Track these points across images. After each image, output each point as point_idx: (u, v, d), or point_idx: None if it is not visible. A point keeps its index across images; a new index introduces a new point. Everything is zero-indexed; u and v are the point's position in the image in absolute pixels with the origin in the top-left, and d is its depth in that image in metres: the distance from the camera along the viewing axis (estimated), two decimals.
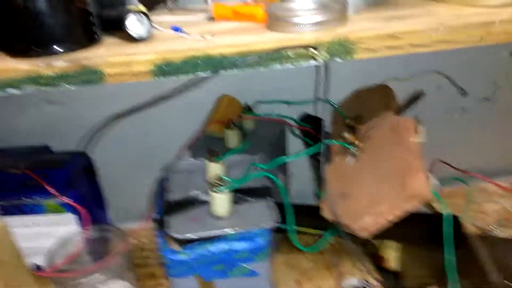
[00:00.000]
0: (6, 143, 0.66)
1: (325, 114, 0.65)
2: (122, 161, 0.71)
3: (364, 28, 0.38)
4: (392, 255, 0.60)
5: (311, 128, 0.59)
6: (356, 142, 0.46)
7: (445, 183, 0.67)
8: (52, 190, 0.57)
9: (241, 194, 0.44)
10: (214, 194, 0.42)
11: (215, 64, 0.36)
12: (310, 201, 0.75)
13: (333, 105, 0.55)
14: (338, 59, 0.37)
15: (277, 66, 0.36)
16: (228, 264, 0.41)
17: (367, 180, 0.42)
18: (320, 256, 0.67)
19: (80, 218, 0.61)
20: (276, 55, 0.35)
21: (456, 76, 0.65)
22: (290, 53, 0.35)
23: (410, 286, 0.59)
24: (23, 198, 0.58)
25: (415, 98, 0.45)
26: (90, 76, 0.35)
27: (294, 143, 0.66)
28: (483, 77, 0.73)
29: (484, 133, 0.79)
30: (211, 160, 0.47)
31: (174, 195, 0.46)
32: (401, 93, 0.59)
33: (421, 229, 0.54)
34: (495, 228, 0.60)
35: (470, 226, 0.70)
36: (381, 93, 0.50)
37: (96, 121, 0.65)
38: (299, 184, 0.72)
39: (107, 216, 0.71)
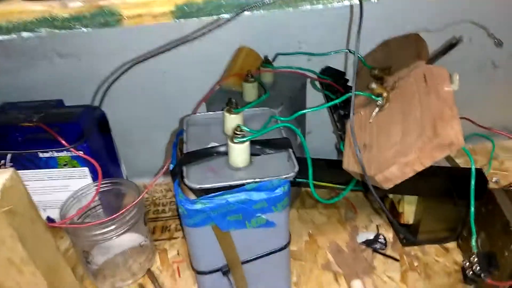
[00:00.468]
0: (19, 97, 0.64)
1: (348, 67, 0.63)
2: (136, 116, 0.70)
3: None
4: (409, 209, 0.60)
5: (332, 81, 0.57)
6: (384, 93, 0.44)
7: (467, 139, 0.66)
8: (65, 143, 0.57)
9: (260, 146, 0.43)
10: (232, 144, 0.41)
11: (241, 4, 0.33)
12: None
13: (358, 56, 0.52)
14: None
15: (307, 6, 0.33)
16: (246, 214, 0.40)
17: (394, 130, 0.40)
18: (334, 211, 0.67)
19: (93, 172, 0.61)
20: None
21: (490, 28, 0.62)
22: None
23: (426, 239, 0.60)
24: (36, 151, 0.57)
25: (452, 45, 0.42)
26: (108, 18, 0.33)
27: (315, 97, 0.64)
28: None
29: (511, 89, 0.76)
30: (229, 112, 0.45)
31: (191, 146, 0.44)
32: (431, 48, 0.56)
33: (441, 183, 0.54)
34: None
35: (492, 183, 0.69)
36: (411, 43, 0.48)
37: (110, 75, 0.64)
38: (317, 142, 0.71)
39: (120, 171, 0.71)
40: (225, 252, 0.42)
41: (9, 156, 0.59)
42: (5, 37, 0.33)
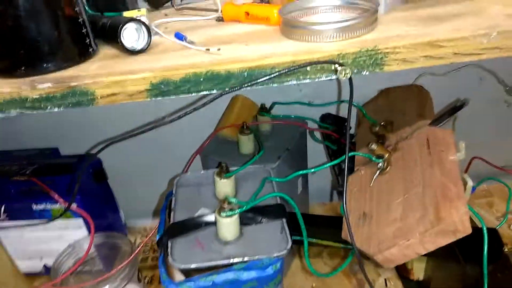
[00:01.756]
0: (15, 145, 0.64)
1: (349, 115, 0.60)
2: (134, 160, 0.68)
3: (397, 33, 0.32)
4: (418, 266, 0.55)
5: (333, 129, 0.54)
6: (385, 155, 0.41)
7: (481, 183, 0.62)
8: (57, 197, 0.55)
9: (252, 214, 0.40)
10: (220, 218, 0.38)
11: (220, 81, 0.31)
12: (328, 198, 0.72)
13: (360, 108, 0.49)
14: (365, 73, 0.31)
15: (293, 82, 0.31)
16: None
17: (395, 203, 0.37)
18: (339, 261, 0.64)
19: (88, 223, 0.59)
20: (292, 71, 0.30)
21: (499, 68, 0.58)
22: (308, 68, 0.30)
23: None
24: (30, 204, 0.56)
25: (458, 107, 0.39)
26: (80, 98, 0.31)
27: (316, 145, 0.61)
28: None
29: None
30: (220, 176, 0.42)
31: (180, 213, 0.42)
32: (437, 90, 0.53)
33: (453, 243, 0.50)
34: None
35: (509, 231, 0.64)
36: (414, 95, 0.44)
37: (107, 123, 0.62)
38: (320, 183, 0.67)
39: (119, 216, 0.69)
40: None
41: (2, 207, 0.58)
42: None
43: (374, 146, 0.42)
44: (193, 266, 0.36)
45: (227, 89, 0.31)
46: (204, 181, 0.47)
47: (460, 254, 0.49)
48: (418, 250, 0.33)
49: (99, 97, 0.31)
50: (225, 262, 0.36)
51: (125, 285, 0.51)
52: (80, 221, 0.59)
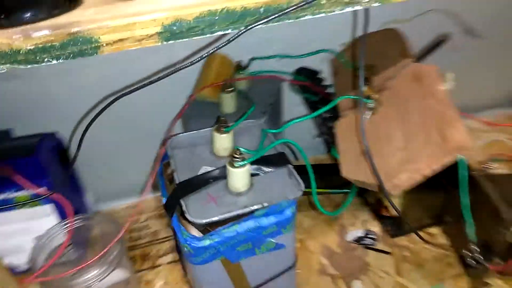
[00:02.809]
0: None
1: (322, 66, 0.62)
2: (96, 136, 0.63)
3: None
4: (394, 202, 0.60)
5: (310, 82, 0.55)
6: (375, 96, 0.43)
7: None
8: (23, 182, 0.49)
9: (258, 165, 0.40)
10: (233, 169, 0.37)
11: (236, 19, 0.30)
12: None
13: (336, 55, 0.50)
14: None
15: (308, 17, 0.31)
16: (255, 241, 0.38)
17: (395, 136, 0.40)
18: (318, 213, 0.67)
19: (59, 208, 0.54)
20: (308, 3, 0.30)
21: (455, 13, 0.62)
22: (323, 1, 0.30)
23: (409, 229, 0.61)
24: None
25: (439, 43, 0.42)
26: (82, 46, 0.28)
27: (291, 100, 0.62)
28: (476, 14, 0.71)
29: (470, 69, 0.79)
30: (219, 131, 0.42)
31: (182, 174, 0.40)
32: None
33: None
34: (491, 165, 0.62)
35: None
36: (391, 37, 0.47)
37: (65, 96, 0.56)
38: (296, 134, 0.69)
39: (85, 200, 0.64)
40: (235, 283, 0.39)
41: None
42: None
43: (365, 88, 0.44)
44: (214, 219, 0.35)
45: (242, 28, 0.30)
46: (197, 141, 0.45)
47: (431, 184, 0.54)
48: (425, 172, 0.36)
49: (104, 44, 0.28)
50: (246, 210, 0.36)
51: (114, 269, 0.48)
52: (47, 207, 0.54)
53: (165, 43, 0.29)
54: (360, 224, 0.64)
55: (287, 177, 0.40)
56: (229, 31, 0.30)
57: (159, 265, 0.60)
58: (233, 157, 0.37)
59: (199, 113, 0.53)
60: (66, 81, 0.55)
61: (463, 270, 0.55)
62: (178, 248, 0.42)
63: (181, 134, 0.45)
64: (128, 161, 0.66)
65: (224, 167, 0.39)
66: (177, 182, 0.39)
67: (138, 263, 0.60)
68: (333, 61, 0.57)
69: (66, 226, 0.51)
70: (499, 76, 0.86)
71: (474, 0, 0.65)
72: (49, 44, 0.27)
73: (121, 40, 0.28)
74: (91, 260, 0.45)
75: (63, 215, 0.55)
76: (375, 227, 0.63)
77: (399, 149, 0.38)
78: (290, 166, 0.41)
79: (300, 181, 0.39)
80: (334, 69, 0.55)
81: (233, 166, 0.37)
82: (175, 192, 0.38)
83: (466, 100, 0.77)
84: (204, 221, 0.35)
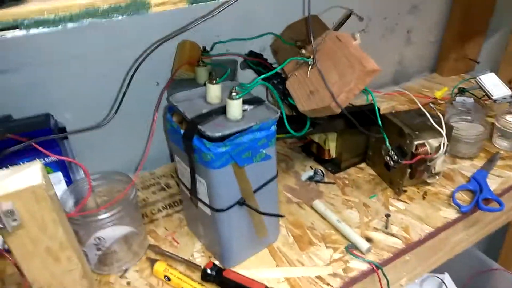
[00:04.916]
0: None
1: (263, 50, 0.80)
2: (85, 116, 0.72)
3: None
4: (332, 146, 0.80)
5: (261, 59, 0.73)
6: (311, 56, 0.63)
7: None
8: (41, 150, 0.58)
9: (245, 104, 0.56)
10: (232, 101, 0.53)
11: None
12: None
13: (277, 36, 0.70)
14: None
15: None
16: (253, 151, 0.53)
17: (331, 75, 0.59)
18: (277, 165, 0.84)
19: (66, 176, 0.63)
20: None
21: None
22: None
23: (345, 166, 0.81)
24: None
25: (347, 16, 0.63)
26: (139, 7, 0.42)
27: (243, 79, 0.79)
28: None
29: None
30: (212, 83, 0.57)
31: (190, 115, 0.54)
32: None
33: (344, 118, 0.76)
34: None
35: None
36: (314, 22, 0.67)
37: (55, 83, 0.66)
38: None
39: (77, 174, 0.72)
40: (242, 185, 0.54)
41: None
42: (52, 28, 0.38)
43: (303, 51, 0.64)
44: (227, 132, 0.50)
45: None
46: (192, 97, 0.59)
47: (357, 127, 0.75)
48: (355, 91, 0.56)
49: (153, 5, 0.42)
50: (246, 126, 0.52)
51: (129, 213, 0.59)
52: (59, 175, 0.62)
53: (191, 5, 0.44)
54: (309, 169, 0.83)
55: (265, 109, 0.56)
56: None
57: (156, 219, 0.71)
58: (232, 92, 0.53)
59: (179, 87, 0.68)
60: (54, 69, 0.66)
61: (387, 186, 0.76)
62: (183, 193, 0.54)
63: (179, 93, 0.59)
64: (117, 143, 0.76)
65: (221, 107, 0.54)
66: (189, 118, 0.53)
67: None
68: (275, 41, 0.76)
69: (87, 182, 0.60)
70: (384, 61, 1.15)
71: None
72: (118, 5, 0.41)
73: (163, 3, 0.43)
74: (113, 201, 0.56)
75: (70, 182, 0.64)
76: (321, 169, 0.82)
77: (336, 81, 0.58)
78: (265, 102, 0.57)
79: (276, 109, 0.55)
80: (275, 48, 0.74)
81: (232, 99, 0.53)
82: (192, 122, 0.52)
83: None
84: (220, 134, 0.49)
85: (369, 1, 1.00)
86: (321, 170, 0.80)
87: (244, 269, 0.60)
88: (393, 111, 0.81)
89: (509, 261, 1.18)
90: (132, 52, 0.66)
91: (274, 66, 0.76)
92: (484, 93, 0.94)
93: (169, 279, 0.57)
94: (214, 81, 0.57)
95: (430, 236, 0.67)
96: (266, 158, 0.55)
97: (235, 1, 0.46)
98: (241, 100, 0.53)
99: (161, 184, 0.79)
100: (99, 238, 0.57)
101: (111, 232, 0.60)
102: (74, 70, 0.68)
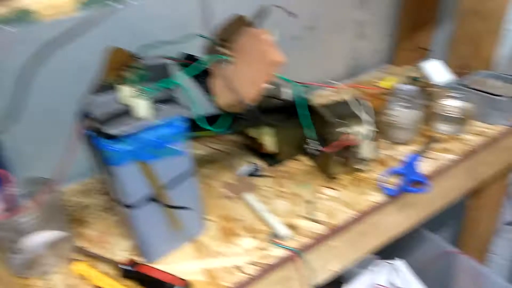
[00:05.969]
0: None
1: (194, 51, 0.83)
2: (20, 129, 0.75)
3: None
4: (268, 140, 0.82)
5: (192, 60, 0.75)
6: (229, 53, 0.65)
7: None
8: None
9: (153, 104, 0.58)
10: (136, 100, 0.55)
11: None
12: None
13: (208, 39, 0.72)
14: None
15: None
16: (159, 147, 0.55)
17: (244, 71, 0.61)
18: (215, 164, 0.86)
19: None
20: None
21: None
22: None
23: (283, 159, 0.83)
24: None
25: (262, 13, 0.65)
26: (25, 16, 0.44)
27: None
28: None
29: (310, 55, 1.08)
30: (123, 83, 0.59)
31: (99, 115, 0.56)
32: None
33: (282, 112, 0.78)
34: None
35: None
36: (238, 21, 0.69)
37: None
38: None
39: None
40: (150, 181, 0.56)
41: None
42: None
43: (222, 50, 0.66)
44: (127, 129, 0.52)
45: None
46: (109, 100, 0.61)
47: (290, 121, 0.78)
48: (263, 83, 0.58)
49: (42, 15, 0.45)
50: (149, 123, 0.54)
51: (51, 218, 0.61)
52: None
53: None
54: (249, 164, 0.84)
55: (177, 106, 0.58)
56: None
57: (91, 222, 0.73)
58: (137, 91, 0.55)
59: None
60: None
61: (321, 175, 0.78)
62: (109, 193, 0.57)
63: (95, 97, 0.61)
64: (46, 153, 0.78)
65: (130, 107, 0.57)
66: (95, 118, 0.55)
67: (70, 224, 0.73)
68: (207, 43, 0.79)
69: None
70: (337, 56, 1.17)
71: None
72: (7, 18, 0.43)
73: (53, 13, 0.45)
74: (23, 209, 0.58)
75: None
76: (260, 164, 0.84)
77: (247, 76, 0.60)
78: (179, 100, 0.59)
79: (185, 106, 0.58)
80: (208, 49, 0.76)
81: (137, 98, 0.55)
82: (96, 122, 0.54)
83: (320, 75, 1.07)
84: (120, 131, 0.52)
85: None
86: (258, 164, 0.82)
87: (165, 264, 0.61)
88: (325, 102, 0.83)
89: (467, 246, 1.19)
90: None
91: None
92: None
93: (89, 279, 0.59)
94: (125, 84, 0.59)
95: (356, 220, 0.68)
96: (177, 154, 0.57)
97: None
98: (145, 99, 0.55)
99: (102, 189, 0.81)
100: (22, 243, 0.60)
101: (36, 237, 0.62)
102: None
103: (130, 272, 0.58)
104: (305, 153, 0.84)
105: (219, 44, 0.71)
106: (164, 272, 0.57)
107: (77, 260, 0.63)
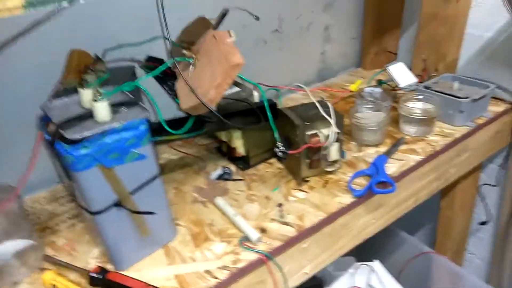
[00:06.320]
0: None
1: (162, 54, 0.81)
2: None
3: None
4: (239, 144, 0.81)
5: (158, 63, 0.74)
6: (193, 55, 0.64)
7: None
8: None
9: (115, 107, 0.57)
10: (96, 104, 0.53)
11: None
12: None
13: (172, 41, 0.71)
14: None
15: None
16: (122, 151, 0.53)
17: (206, 72, 0.61)
18: (188, 169, 0.84)
19: None
20: None
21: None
22: None
23: (254, 162, 0.83)
24: None
25: (223, 15, 0.65)
26: None
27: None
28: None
29: (279, 58, 1.09)
30: (83, 87, 0.57)
31: (60, 119, 0.54)
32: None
33: (252, 115, 0.78)
34: None
35: None
36: (201, 23, 0.69)
37: None
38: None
39: None
40: (114, 187, 0.54)
41: None
42: None
43: (185, 52, 0.65)
44: (87, 134, 0.51)
45: None
46: (70, 103, 0.59)
47: (260, 125, 0.78)
48: (224, 86, 0.58)
49: None
50: (108, 127, 0.52)
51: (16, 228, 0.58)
52: None
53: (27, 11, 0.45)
54: (221, 168, 0.84)
55: (139, 109, 0.57)
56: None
57: (59, 230, 0.70)
58: (95, 95, 0.53)
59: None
60: None
61: (291, 177, 0.78)
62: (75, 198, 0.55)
63: (55, 100, 0.59)
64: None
65: (91, 111, 0.55)
66: (54, 122, 0.53)
67: (39, 233, 0.70)
68: (172, 46, 0.77)
69: None
70: (305, 59, 1.18)
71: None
72: None
73: None
74: None
75: None
76: (232, 167, 0.83)
77: (208, 78, 0.59)
78: (140, 104, 0.58)
79: (145, 108, 0.56)
80: (172, 52, 0.75)
81: (96, 101, 0.53)
82: (56, 126, 0.52)
83: (290, 79, 1.08)
84: (79, 136, 0.50)
85: (278, 1, 1.03)
86: (229, 168, 0.82)
87: (135, 271, 0.60)
88: (293, 105, 0.83)
89: (444, 246, 1.22)
90: None
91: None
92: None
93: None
94: (85, 84, 0.57)
95: (325, 222, 0.68)
96: (140, 158, 0.56)
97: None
98: (105, 102, 0.54)
99: (69, 196, 0.79)
100: None
101: (2, 246, 0.59)
102: None
103: (100, 280, 0.56)
104: (275, 156, 0.84)
105: (183, 46, 0.70)
106: (135, 279, 0.55)
107: (46, 269, 0.61)
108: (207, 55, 0.63)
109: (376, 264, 1.03)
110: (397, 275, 1.05)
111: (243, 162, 0.83)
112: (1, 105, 0.75)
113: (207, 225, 0.68)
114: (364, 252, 1.04)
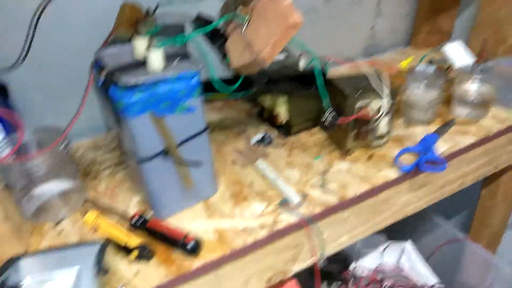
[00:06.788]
0: None
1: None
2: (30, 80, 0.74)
3: None
4: (282, 110, 0.80)
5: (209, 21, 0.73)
6: (246, 13, 0.63)
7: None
8: None
9: (168, 59, 0.56)
10: (150, 52, 0.53)
11: None
12: None
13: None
14: None
15: None
16: (172, 101, 0.53)
17: (260, 31, 0.59)
18: (228, 130, 0.84)
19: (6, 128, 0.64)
20: None
21: None
22: None
23: (296, 130, 0.81)
24: None
25: None
26: None
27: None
28: None
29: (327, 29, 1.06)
30: (138, 36, 0.57)
31: (113, 66, 0.55)
32: None
33: (300, 81, 0.76)
34: None
35: None
36: None
37: None
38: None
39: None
40: (163, 136, 0.55)
41: None
42: None
43: (239, 10, 0.64)
44: (140, 80, 0.51)
45: None
46: (123, 52, 0.60)
47: (306, 92, 0.76)
48: (281, 44, 0.56)
49: None
50: (162, 76, 0.52)
51: (63, 166, 0.60)
52: None
53: None
54: (261, 133, 0.83)
55: (191, 61, 0.57)
56: None
57: (101, 176, 0.72)
58: (150, 43, 0.53)
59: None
60: None
61: (335, 148, 0.76)
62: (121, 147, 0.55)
63: (108, 48, 0.60)
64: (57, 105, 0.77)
65: (144, 61, 0.55)
66: (108, 68, 0.54)
67: (82, 178, 0.72)
68: (224, 4, 0.76)
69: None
70: (354, 32, 1.14)
71: None
72: None
73: None
74: (39, 152, 0.57)
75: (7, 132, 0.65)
76: (273, 132, 0.82)
77: (264, 37, 0.58)
78: (191, 57, 0.58)
79: (197, 60, 0.56)
80: (224, 11, 0.74)
81: (151, 49, 0.53)
82: (110, 72, 0.53)
83: (336, 51, 1.04)
84: (133, 81, 0.50)
85: None
86: (270, 134, 0.81)
87: (175, 220, 0.61)
88: (343, 75, 0.81)
89: (478, 235, 1.17)
90: None
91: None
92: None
93: (98, 228, 0.59)
94: (140, 35, 0.57)
95: (367, 194, 0.67)
96: (190, 110, 0.56)
97: None
98: (160, 50, 0.54)
99: (114, 144, 0.80)
100: (34, 190, 0.59)
101: (47, 185, 0.61)
102: None
103: (140, 225, 0.57)
104: (320, 125, 0.82)
105: (236, 5, 0.68)
106: (172, 228, 0.56)
107: (87, 210, 0.63)
108: (262, 14, 0.62)
109: (408, 245, 1.01)
110: (427, 257, 1.02)
111: (285, 129, 0.82)
112: (56, 56, 0.76)
113: (246, 186, 0.68)
114: (394, 230, 1.02)
